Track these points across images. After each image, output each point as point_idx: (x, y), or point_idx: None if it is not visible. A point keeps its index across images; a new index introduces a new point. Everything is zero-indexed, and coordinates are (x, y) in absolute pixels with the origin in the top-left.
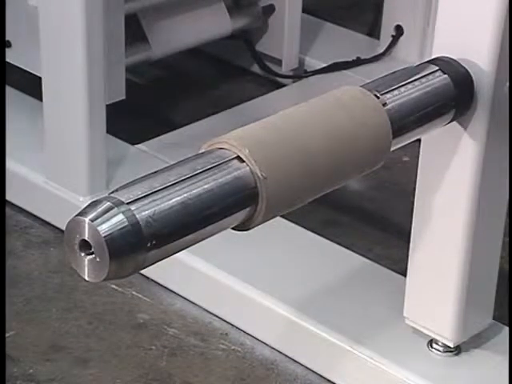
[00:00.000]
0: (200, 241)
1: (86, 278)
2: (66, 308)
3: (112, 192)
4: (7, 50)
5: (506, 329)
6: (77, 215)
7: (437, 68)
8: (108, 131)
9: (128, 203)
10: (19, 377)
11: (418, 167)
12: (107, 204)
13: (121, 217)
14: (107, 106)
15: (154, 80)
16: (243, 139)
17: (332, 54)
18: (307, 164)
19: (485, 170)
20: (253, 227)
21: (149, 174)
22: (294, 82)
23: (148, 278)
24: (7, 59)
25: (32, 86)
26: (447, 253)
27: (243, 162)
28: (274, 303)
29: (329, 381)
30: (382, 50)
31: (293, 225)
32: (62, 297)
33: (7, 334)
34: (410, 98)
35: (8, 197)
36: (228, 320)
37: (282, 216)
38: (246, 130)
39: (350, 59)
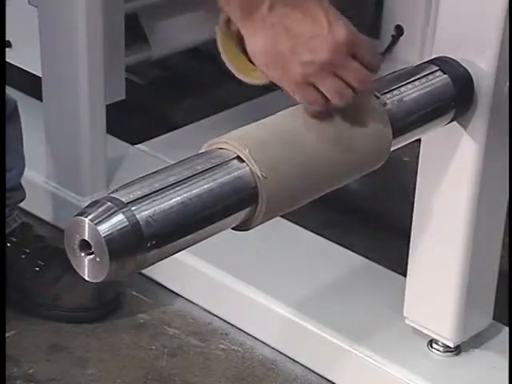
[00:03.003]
0: (200, 241)
1: (86, 278)
2: None
3: (112, 192)
4: (7, 50)
5: (506, 329)
6: (77, 215)
7: (437, 68)
8: (108, 131)
9: (128, 203)
10: (19, 377)
11: (418, 167)
12: (107, 204)
13: (121, 217)
14: (107, 106)
15: (154, 80)
16: (243, 139)
17: None
18: (307, 164)
19: (485, 170)
20: (253, 227)
21: (149, 174)
22: None
23: (148, 277)
24: (7, 59)
25: (32, 86)
26: (447, 253)
27: (243, 162)
28: (274, 303)
29: (329, 381)
30: (381, 50)
31: (293, 225)
32: None
33: (7, 334)
34: (410, 98)
35: None
36: (228, 320)
37: (282, 216)
38: (245, 130)
39: None
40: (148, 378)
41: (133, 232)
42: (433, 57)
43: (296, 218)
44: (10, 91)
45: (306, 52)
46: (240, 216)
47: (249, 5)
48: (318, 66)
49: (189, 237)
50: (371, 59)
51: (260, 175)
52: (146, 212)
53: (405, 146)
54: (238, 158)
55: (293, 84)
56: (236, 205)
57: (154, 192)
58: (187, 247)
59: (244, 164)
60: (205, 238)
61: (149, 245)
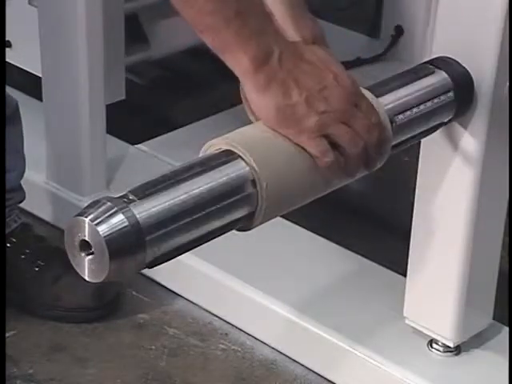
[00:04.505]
0: (201, 242)
1: (86, 278)
2: None
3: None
4: (7, 49)
5: (506, 329)
6: (77, 215)
7: (437, 68)
8: (108, 131)
9: (128, 203)
10: (19, 377)
11: (418, 167)
12: (107, 204)
13: (121, 217)
14: (107, 106)
15: (154, 80)
16: (244, 140)
17: None
18: (307, 165)
19: (485, 170)
20: (253, 227)
21: (150, 178)
22: None
23: (148, 277)
24: (7, 59)
25: (32, 86)
26: (447, 253)
27: (244, 162)
28: (274, 303)
29: (329, 381)
30: (381, 50)
31: (293, 225)
32: None
33: (7, 334)
34: (410, 99)
35: None
36: (228, 320)
37: (282, 216)
38: (246, 131)
39: (350, 59)
40: (148, 378)
41: (133, 232)
42: (433, 57)
43: (296, 218)
44: (10, 91)
45: (321, 102)
46: (240, 216)
47: (260, 56)
48: (334, 114)
49: (189, 238)
50: (372, 111)
51: (260, 176)
52: (147, 212)
53: None
54: (239, 158)
55: (308, 137)
56: (237, 206)
57: (155, 192)
58: (188, 249)
59: (245, 165)
60: (206, 239)
61: (149, 245)
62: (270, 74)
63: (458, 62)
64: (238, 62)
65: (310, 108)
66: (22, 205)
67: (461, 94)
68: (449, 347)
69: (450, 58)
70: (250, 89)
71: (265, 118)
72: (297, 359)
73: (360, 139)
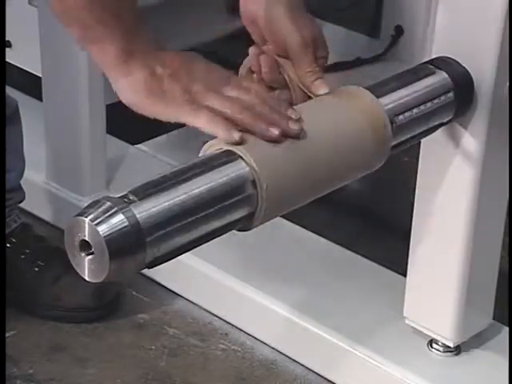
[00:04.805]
0: (201, 242)
1: (86, 278)
2: None
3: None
4: (7, 49)
5: (506, 329)
6: (77, 215)
7: (437, 68)
8: (108, 131)
9: (128, 203)
10: (19, 377)
11: (418, 167)
12: (107, 204)
13: (121, 217)
14: (107, 106)
15: None
16: (245, 140)
17: (332, 54)
18: (307, 165)
19: (485, 170)
20: (253, 227)
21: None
22: None
23: (148, 277)
24: (7, 59)
25: (32, 86)
26: (447, 253)
27: (245, 163)
28: (274, 303)
29: (329, 381)
30: (381, 50)
31: (293, 225)
32: None
33: (7, 334)
34: (410, 99)
35: None
36: (228, 320)
37: (282, 216)
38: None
39: (350, 59)
40: (148, 378)
41: (133, 232)
42: (433, 57)
43: (296, 218)
44: (10, 91)
45: (185, 76)
46: (240, 216)
47: (129, 49)
48: (199, 83)
49: (189, 238)
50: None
51: (260, 176)
52: (147, 212)
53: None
54: (240, 159)
55: (185, 112)
56: (236, 206)
57: (155, 193)
58: (188, 249)
59: (245, 165)
60: (205, 239)
61: (149, 245)
62: (137, 60)
63: (458, 62)
64: (106, 55)
65: (174, 80)
66: (22, 205)
67: (461, 94)
68: (449, 347)
69: (450, 58)
70: (116, 77)
71: (134, 95)
72: (297, 359)
73: (233, 101)
